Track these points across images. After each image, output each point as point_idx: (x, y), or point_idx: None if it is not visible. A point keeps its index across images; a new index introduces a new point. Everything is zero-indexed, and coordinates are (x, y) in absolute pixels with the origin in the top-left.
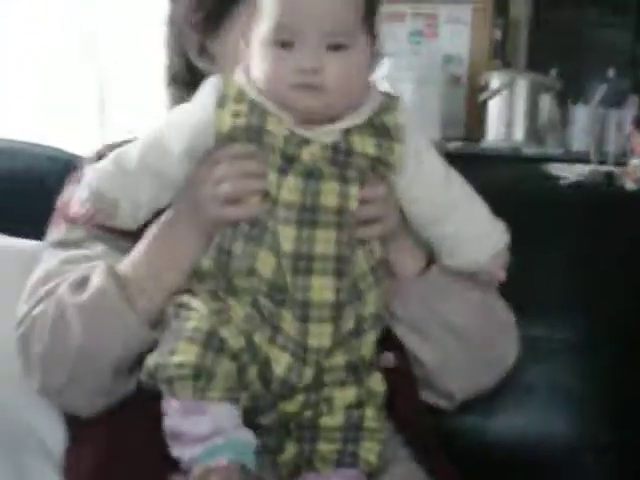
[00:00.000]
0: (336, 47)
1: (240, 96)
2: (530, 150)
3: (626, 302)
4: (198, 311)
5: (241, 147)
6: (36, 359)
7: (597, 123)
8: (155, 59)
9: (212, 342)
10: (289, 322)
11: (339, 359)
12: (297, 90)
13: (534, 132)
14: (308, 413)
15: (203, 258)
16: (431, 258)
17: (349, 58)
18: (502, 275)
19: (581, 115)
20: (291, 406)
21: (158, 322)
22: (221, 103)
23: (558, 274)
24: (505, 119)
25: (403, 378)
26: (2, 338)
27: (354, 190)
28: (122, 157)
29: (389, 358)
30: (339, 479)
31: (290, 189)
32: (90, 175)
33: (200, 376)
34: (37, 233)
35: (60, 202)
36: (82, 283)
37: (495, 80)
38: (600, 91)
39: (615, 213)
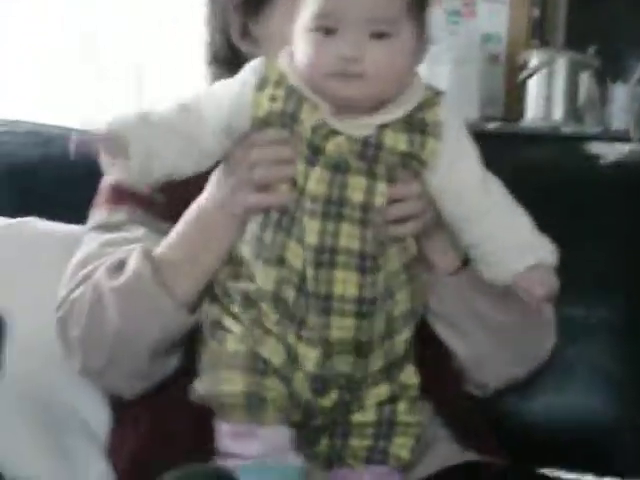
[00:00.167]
0: (379, 35)
1: (280, 81)
2: (569, 129)
3: None
4: (233, 332)
5: (275, 132)
6: (75, 342)
7: (636, 101)
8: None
9: (256, 365)
10: (312, 315)
11: (374, 360)
12: (336, 78)
13: (573, 111)
14: (340, 409)
15: (242, 244)
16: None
17: (392, 47)
18: (539, 292)
19: (620, 93)
20: (324, 402)
21: (196, 305)
22: (261, 86)
23: (598, 254)
24: (544, 98)
25: (440, 364)
26: (46, 322)
27: (381, 186)
28: (149, 111)
29: None
30: (370, 476)
31: (317, 181)
32: (112, 117)
33: (252, 402)
34: (78, 218)
35: (102, 186)
36: (119, 267)
37: (534, 59)
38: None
39: None
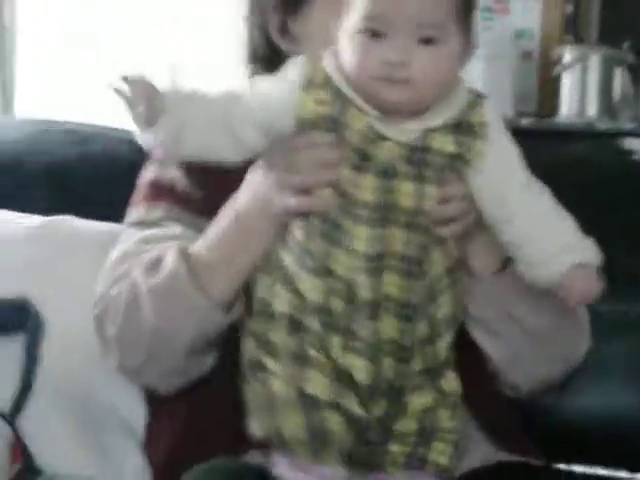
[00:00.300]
0: (427, 41)
1: (326, 83)
2: (604, 125)
3: None
4: (275, 373)
5: (320, 136)
6: (112, 341)
7: None
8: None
9: (305, 402)
10: (359, 323)
11: (414, 365)
12: (382, 82)
13: (607, 107)
14: (385, 419)
15: (285, 253)
16: (508, 257)
17: (439, 53)
18: (582, 292)
19: None
20: (374, 413)
21: (231, 305)
22: (307, 87)
23: (633, 250)
24: (578, 94)
25: (475, 367)
26: (83, 319)
27: (431, 190)
28: (197, 89)
29: None
30: None
31: (365, 188)
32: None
33: (314, 440)
34: (115, 216)
35: (139, 183)
36: (155, 265)
37: (567, 55)
38: None
39: None
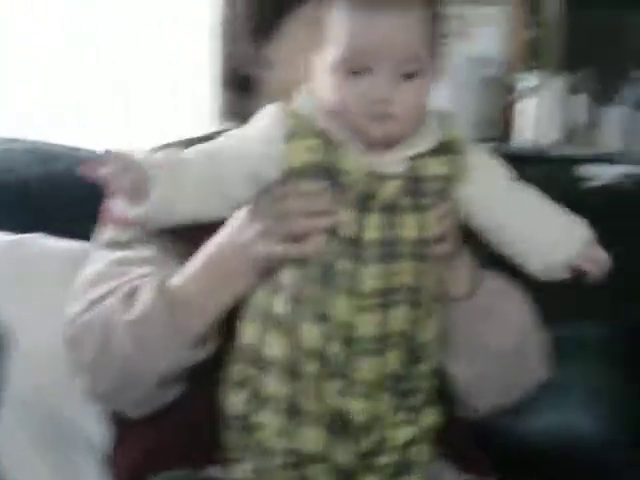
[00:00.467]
0: (408, 75)
1: (309, 128)
2: (562, 151)
3: None
4: (268, 428)
5: (311, 184)
6: (83, 367)
7: (629, 124)
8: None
9: (300, 459)
10: (361, 362)
11: (411, 399)
12: (368, 119)
13: (565, 133)
14: (366, 453)
15: (274, 300)
16: (479, 278)
17: (419, 85)
18: (597, 269)
19: (613, 116)
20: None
21: (205, 341)
22: (291, 137)
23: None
24: (538, 120)
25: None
26: (51, 337)
27: (430, 217)
28: (176, 153)
29: None
30: None
31: (370, 227)
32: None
33: None
34: (79, 235)
35: (110, 203)
36: (132, 297)
37: (528, 81)
38: (632, 92)
39: None
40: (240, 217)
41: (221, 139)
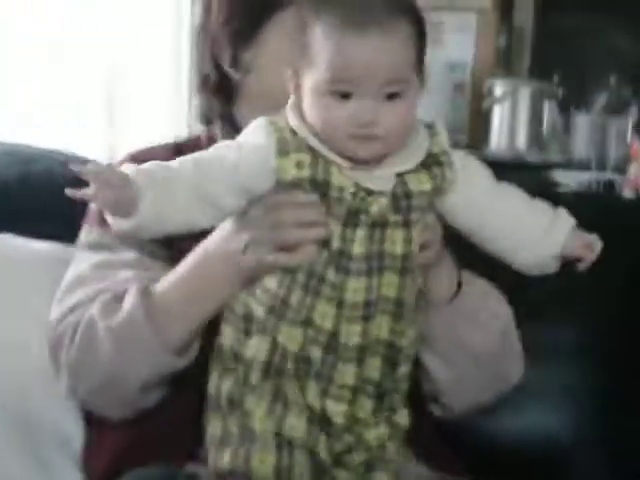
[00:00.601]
0: (393, 95)
1: (299, 144)
2: (533, 157)
3: (620, 307)
4: (256, 412)
5: (303, 196)
6: (65, 370)
7: (599, 131)
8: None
9: (281, 441)
10: (342, 368)
11: (387, 402)
12: (354, 140)
13: (537, 139)
14: (341, 451)
15: (255, 304)
16: (460, 282)
17: (404, 105)
18: (590, 255)
19: (583, 122)
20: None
21: (187, 348)
22: (282, 152)
23: (554, 280)
24: (508, 126)
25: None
26: (26, 336)
27: (416, 232)
28: (165, 165)
29: None
30: None
31: (356, 241)
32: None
33: (280, 477)
34: (57, 236)
35: (92, 205)
36: (114, 303)
37: (498, 87)
38: (602, 98)
39: (613, 222)
40: (227, 226)
41: (211, 151)
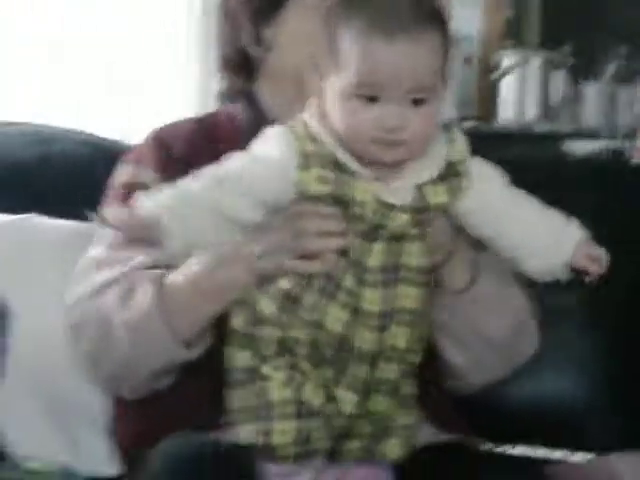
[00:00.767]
0: (419, 101)
1: (320, 155)
2: (543, 127)
3: (629, 273)
4: (274, 380)
5: (325, 208)
6: (83, 355)
7: (608, 100)
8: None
9: (300, 409)
10: (355, 367)
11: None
12: (379, 145)
13: (546, 109)
14: (351, 420)
15: (266, 302)
16: (475, 272)
17: (430, 110)
18: (596, 268)
19: (593, 92)
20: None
21: (199, 339)
22: (303, 166)
23: None
24: (517, 97)
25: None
26: (50, 312)
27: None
28: (184, 190)
29: None
30: (364, 474)
31: (375, 254)
32: (148, 200)
33: (302, 448)
34: (76, 215)
35: (113, 183)
36: (129, 296)
37: (507, 59)
38: (612, 68)
39: (621, 188)
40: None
41: (230, 166)
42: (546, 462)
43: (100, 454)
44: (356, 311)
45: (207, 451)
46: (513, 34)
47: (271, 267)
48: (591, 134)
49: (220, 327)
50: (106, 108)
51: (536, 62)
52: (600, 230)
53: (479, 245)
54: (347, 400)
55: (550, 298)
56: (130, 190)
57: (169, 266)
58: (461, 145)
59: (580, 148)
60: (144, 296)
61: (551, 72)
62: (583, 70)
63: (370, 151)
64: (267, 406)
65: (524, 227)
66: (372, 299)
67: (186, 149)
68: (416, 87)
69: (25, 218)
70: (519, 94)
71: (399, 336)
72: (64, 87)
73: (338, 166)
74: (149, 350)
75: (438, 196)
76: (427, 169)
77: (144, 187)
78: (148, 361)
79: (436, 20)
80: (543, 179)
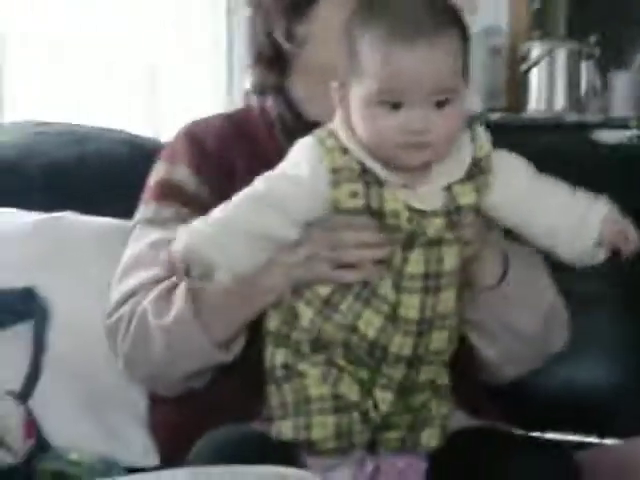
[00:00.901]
0: (442, 103)
1: (350, 169)
2: (571, 118)
3: None
4: (311, 376)
5: (359, 219)
6: (121, 356)
7: (637, 89)
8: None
9: (338, 403)
10: (391, 368)
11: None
12: (405, 149)
13: (575, 100)
14: (389, 413)
15: (302, 307)
16: (507, 267)
17: (453, 111)
18: (628, 244)
19: (621, 81)
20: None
21: (229, 344)
22: (335, 183)
23: None
24: (546, 88)
25: (457, 357)
26: (87, 306)
27: (468, 247)
28: (221, 217)
29: None
30: (402, 464)
31: (414, 261)
32: (185, 234)
33: (342, 442)
34: (112, 214)
35: (150, 181)
36: (166, 299)
37: (535, 50)
38: (639, 58)
39: None
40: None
41: (262, 186)
42: (577, 447)
43: (138, 446)
44: (392, 317)
45: (255, 441)
46: (540, 25)
47: (309, 276)
48: (620, 123)
49: (253, 327)
50: (134, 106)
51: (563, 53)
52: (630, 219)
53: (510, 235)
54: (383, 399)
55: (582, 285)
56: (166, 188)
57: None
58: (484, 141)
59: (609, 137)
60: (181, 299)
61: (579, 62)
62: (611, 60)
63: (396, 156)
64: (305, 402)
65: (553, 213)
66: (411, 306)
67: (218, 144)
68: (438, 89)
69: (60, 216)
70: (547, 85)
71: (437, 340)
72: (95, 86)
73: (367, 177)
74: (185, 352)
75: (467, 196)
76: (454, 170)
77: (179, 185)
78: (184, 363)
79: (453, 21)
80: (573, 169)
